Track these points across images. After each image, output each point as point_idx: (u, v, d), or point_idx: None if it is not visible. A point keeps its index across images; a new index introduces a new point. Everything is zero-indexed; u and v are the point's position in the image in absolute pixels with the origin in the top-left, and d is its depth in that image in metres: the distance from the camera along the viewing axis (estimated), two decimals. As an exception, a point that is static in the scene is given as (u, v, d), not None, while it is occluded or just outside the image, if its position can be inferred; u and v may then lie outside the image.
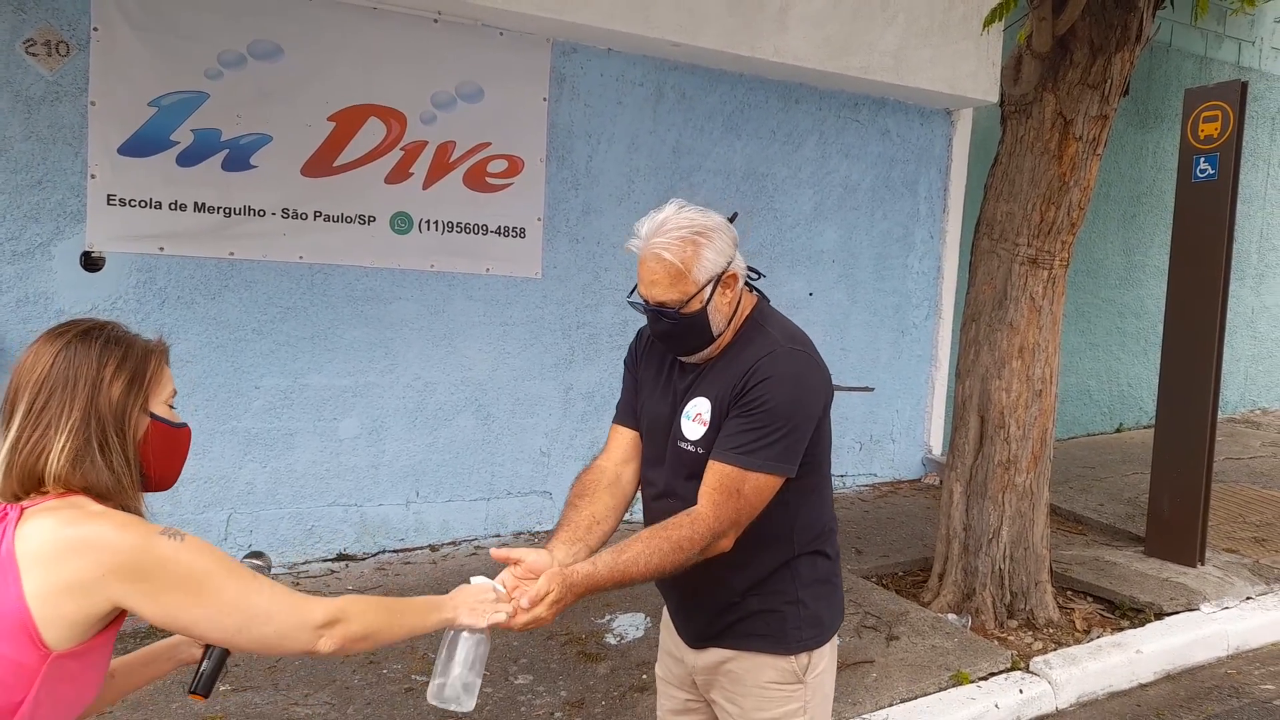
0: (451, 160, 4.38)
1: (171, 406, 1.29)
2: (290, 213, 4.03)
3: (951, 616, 3.74)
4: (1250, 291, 7.97)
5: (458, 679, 1.50)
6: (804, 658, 1.71)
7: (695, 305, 1.63)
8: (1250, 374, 8.21)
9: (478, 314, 4.43)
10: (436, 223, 4.34)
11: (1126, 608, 3.86)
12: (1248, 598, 3.96)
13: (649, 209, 4.86)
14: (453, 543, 4.36)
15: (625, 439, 1.90)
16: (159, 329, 2.18)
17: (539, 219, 4.58)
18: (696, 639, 1.79)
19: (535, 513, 4.63)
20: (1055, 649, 3.52)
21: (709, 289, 1.63)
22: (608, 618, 3.57)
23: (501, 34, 4.37)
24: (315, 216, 4.09)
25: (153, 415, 1.25)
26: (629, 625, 3.52)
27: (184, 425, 1.31)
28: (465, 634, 1.50)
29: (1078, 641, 3.59)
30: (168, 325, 3.70)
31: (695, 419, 1.69)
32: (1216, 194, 4.18)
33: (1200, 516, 4.23)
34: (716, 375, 1.70)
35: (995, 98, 5.66)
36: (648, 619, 3.55)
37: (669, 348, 1.75)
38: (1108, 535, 4.77)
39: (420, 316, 4.28)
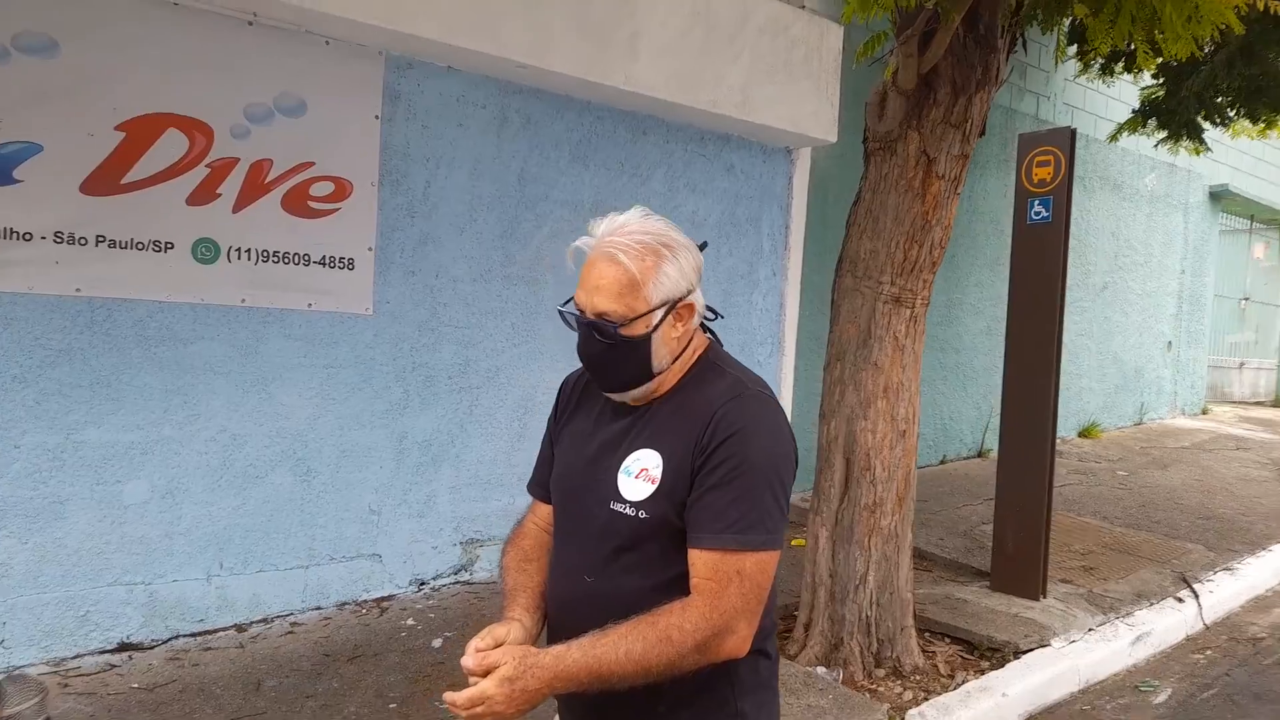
0: (268, 181, 3.85)
1: None
2: (66, 237, 3.38)
3: (821, 670, 3.58)
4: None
5: None
6: None
7: (640, 328, 1.37)
8: (1050, 405, 8.81)
9: (297, 355, 3.90)
10: (249, 251, 3.79)
11: (985, 648, 3.85)
12: (1090, 629, 4.06)
13: (493, 239, 4.42)
14: (264, 620, 3.77)
15: (546, 511, 1.59)
16: None
17: (370, 249, 4.12)
18: None
19: (363, 579, 4.11)
20: (925, 697, 3.42)
21: (660, 313, 1.37)
22: (457, 700, 3.14)
23: (328, 43, 3.91)
24: (98, 242, 3.45)
25: None
26: (482, 708, 3.11)
27: None
28: None
29: (944, 688, 3.52)
30: (-106, 372, 2.97)
31: (640, 475, 1.37)
32: (1051, 235, 4.33)
33: (1042, 550, 4.33)
34: (666, 422, 1.40)
35: (834, 137, 5.76)
36: None
37: (595, 376, 1.46)
38: (952, 571, 4.82)
39: (228, 359, 3.71)
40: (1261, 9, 2.62)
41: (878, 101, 3.57)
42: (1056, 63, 5.93)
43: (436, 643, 3.60)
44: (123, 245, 3.50)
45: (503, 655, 1.26)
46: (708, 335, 1.52)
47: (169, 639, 3.51)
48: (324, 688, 3.16)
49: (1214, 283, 11.05)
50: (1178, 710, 3.53)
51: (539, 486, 1.63)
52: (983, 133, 3.55)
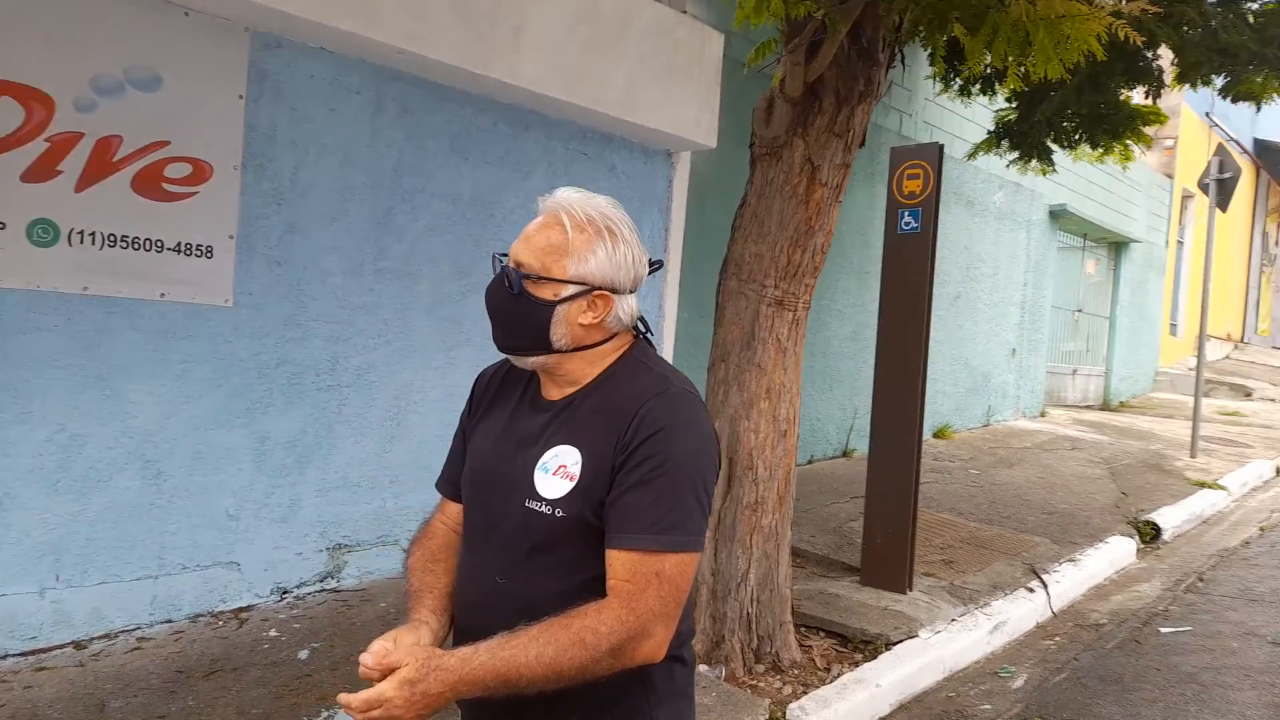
0: (117, 159, 3.54)
1: None
2: (-128, 210, 3.00)
3: (704, 668, 3.59)
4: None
5: None
6: None
7: (547, 292, 1.34)
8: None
9: (147, 349, 3.60)
10: (93, 235, 3.48)
11: (858, 640, 3.97)
12: (952, 620, 4.25)
13: (365, 231, 4.25)
14: (108, 636, 3.46)
15: (456, 509, 1.51)
16: None
17: (231, 236, 3.86)
18: None
19: (219, 589, 3.84)
20: (804, 691, 3.49)
21: (573, 289, 1.34)
22: (324, 715, 2.96)
23: (187, 14, 3.64)
24: (-88, 217, 3.08)
25: None
26: (354, 722, 2.94)
27: None
28: None
29: (822, 681, 3.60)
30: None
31: (558, 472, 1.32)
32: (919, 244, 4.52)
33: (909, 546, 4.50)
34: (588, 418, 1.35)
35: (714, 143, 5.84)
36: None
37: (494, 329, 1.43)
38: (824, 566, 4.96)
39: (67, 351, 3.38)
40: (1122, 38, 2.79)
41: (765, 108, 3.62)
42: (935, 79, 6.19)
43: (303, 654, 3.39)
44: (-57, 223, 3.14)
45: (404, 656, 1.18)
46: (637, 335, 1.47)
47: (-5, 660, 3.16)
48: (178, 707, 2.91)
49: (1052, 295, 11.88)
50: (1033, 694, 3.73)
51: (448, 484, 1.56)
52: (863, 143, 3.67)
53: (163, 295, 3.64)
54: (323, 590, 4.13)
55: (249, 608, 3.86)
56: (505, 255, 1.40)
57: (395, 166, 4.42)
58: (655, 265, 1.43)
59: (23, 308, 3.27)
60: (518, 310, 1.35)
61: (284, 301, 4.02)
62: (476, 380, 1.59)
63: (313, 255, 4.11)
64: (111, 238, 3.52)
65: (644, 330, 1.47)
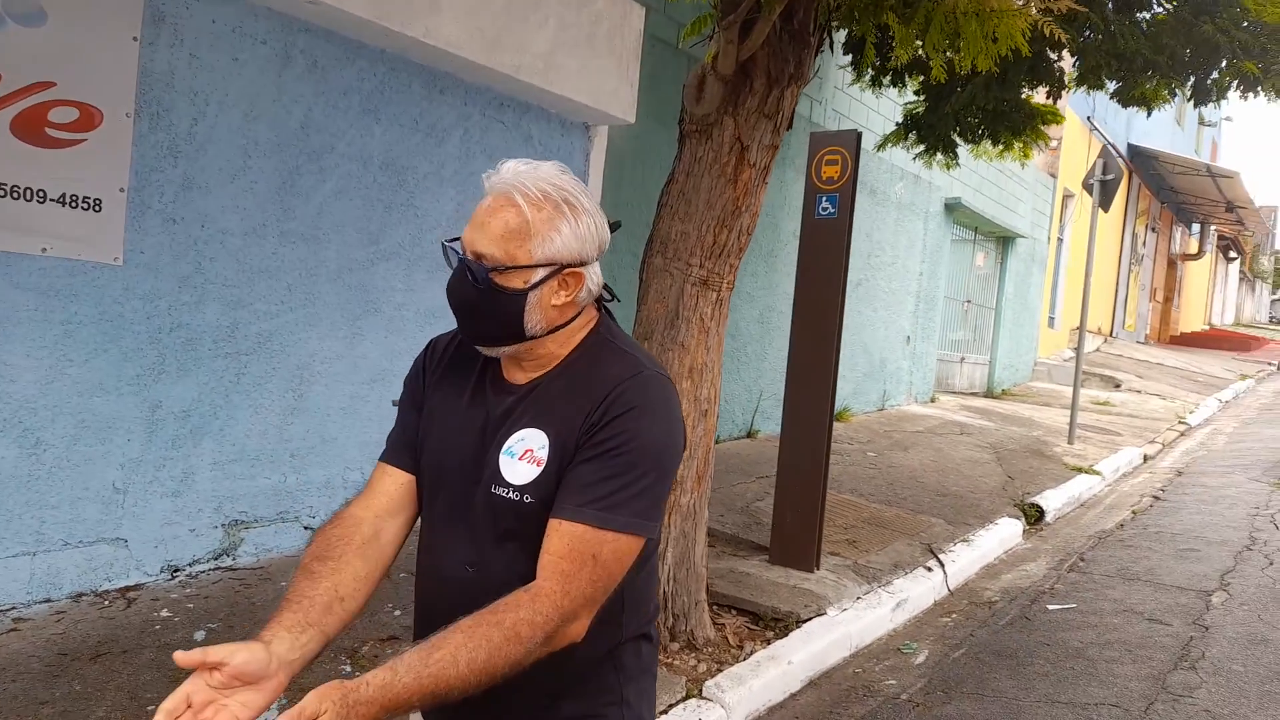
0: (-7, 98, 3.23)
1: None
2: None
3: (618, 647, 3.57)
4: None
5: None
6: None
7: (516, 281, 1.25)
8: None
9: (27, 307, 3.32)
10: (-35, 180, 3.17)
11: (770, 618, 4.02)
12: (858, 598, 4.36)
13: (269, 191, 4.10)
14: (-21, 617, 3.19)
15: (394, 484, 1.38)
16: None
17: (122, 189, 3.58)
18: None
19: (104, 567, 3.59)
20: (719, 669, 3.51)
21: (543, 272, 1.26)
22: (226, 700, 2.80)
23: (76, -58, 3.34)
24: None
25: None
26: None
27: None
28: None
29: (735, 659, 3.64)
30: None
31: (524, 457, 1.26)
32: (836, 229, 4.59)
33: (818, 525, 4.59)
34: (555, 401, 1.29)
35: (633, 118, 5.78)
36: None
37: (460, 323, 1.34)
38: (733, 545, 5.01)
39: (-66, 306, 3.08)
40: (1047, 34, 2.87)
41: (696, 85, 3.58)
42: (849, 69, 6.27)
43: (199, 635, 3.20)
44: None
45: (317, 703, 1.01)
46: (599, 310, 1.40)
47: None
48: (62, 692, 2.70)
49: (945, 285, 12.34)
50: (934, 669, 3.87)
51: (390, 450, 1.42)
52: (790, 126, 3.67)
53: (45, 250, 3.36)
54: (217, 569, 3.91)
55: (137, 586, 3.62)
56: (455, 242, 1.31)
57: (302, 124, 4.19)
58: (614, 226, 1.35)
59: (-119, 257, 2.95)
60: (487, 304, 1.26)
61: (179, 261, 3.77)
62: (428, 349, 1.49)
63: (211, 214, 3.86)
64: (-14, 184, 3.22)
65: (609, 298, 1.40)
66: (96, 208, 3.51)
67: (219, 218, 3.89)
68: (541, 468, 1.25)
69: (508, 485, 1.26)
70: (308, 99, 4.20)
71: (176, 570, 3.81)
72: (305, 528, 4.32)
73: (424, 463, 1.38)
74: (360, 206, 4.48)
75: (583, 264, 1.29)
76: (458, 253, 1.30)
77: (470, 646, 1.10)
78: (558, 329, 1.31)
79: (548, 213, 1.25)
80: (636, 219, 6.65)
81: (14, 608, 3.28)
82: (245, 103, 3.95)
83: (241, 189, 3.97)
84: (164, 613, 3.38)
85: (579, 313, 1.33)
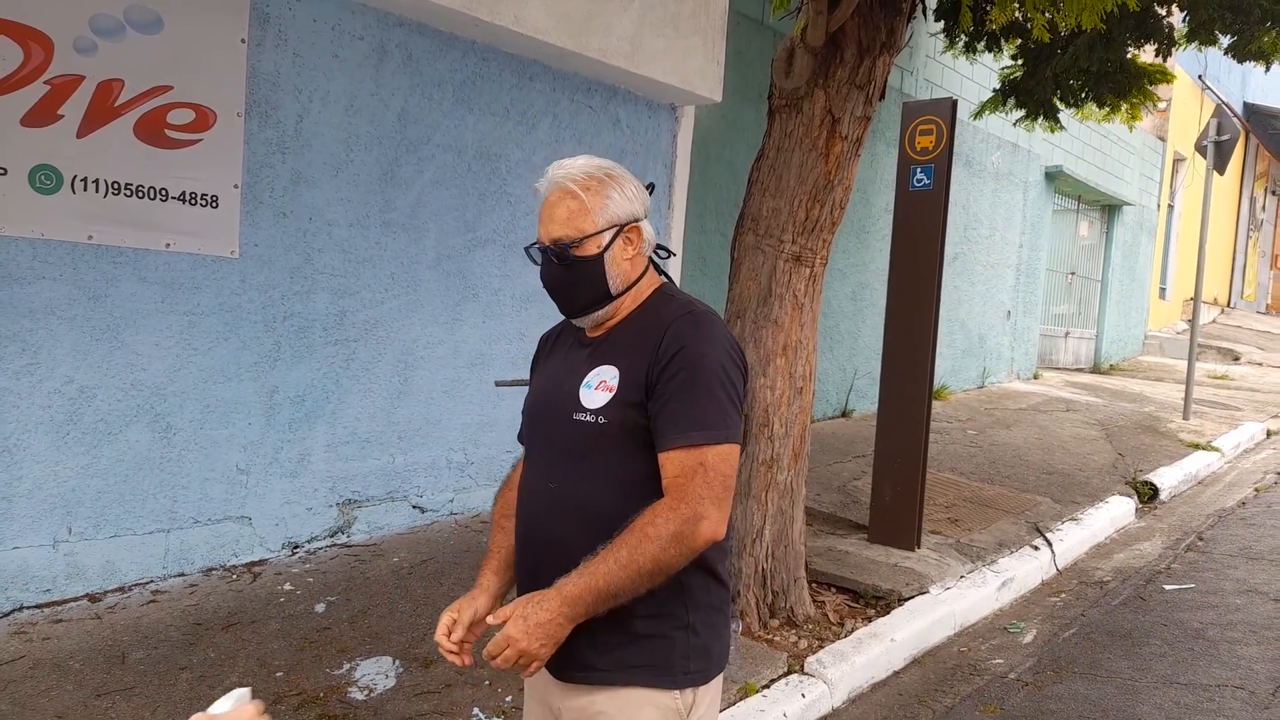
0: (118, 104, 3.44)
1: None
2: None
3: (717, 623, 3.60)
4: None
5: None
6: (689, 694, 1.49)
7: (591, 248, 1.51)
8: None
9: (154, 300, 3.53)
10: (97, 182, 3.39)
11: (870, 596, 3.99)
12: (961, 576, 4.28)
13: (371, 183, 4.20)
14: (121, 589, 3.42)
15: None
16: None
17: (236, 186, 3.77)
18: (565, 666, 1.49)
19: (230, 543, 3.81)
20: (820, 645, 3.50)
21: (609, 234, 1.52)
22: (347, 666, 2.95)
23: (188, -49, 3.52)
24: (-89, 161, 2.98)
25: None
26: (375, 673, 2.93)
27: None
28: None
29: (836, 636, 3.62)
30: None
31: (599, 386, 1.49)
32: (931, 201, 4.48)
33: (918, 503, 4.52)
34: (623, 343, 1.52)
35: (719, 96, 5.74)
36: (397, 662, 2.99)
37: (557, 300, 1.58)
38: (831, 524, 4.97)
39: (73, 302, 3.31)
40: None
41: (785, 59, 3.54)
42: (942, 35, 6.09)
43: (320, 607, 3.37)
44: (-57, 167, 3.04)
45: (510, 608, 1.39)
46: (661, 276, 1.63)
47: (10, 611, 3.13)
48: (199, 658, 2.89)
49: (1047, 257, 11.89)
50: (1044, 648, 3.77)
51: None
52: (883, 95, 3.60)
53: (168, 245, 3.56)
54: (333, 545, 4.10)
55: (261, 562, 3.83)
56: (534, 245, 1.55)
57: (400, 116, 4.32)
58: (649, 188, 1.60)
59: (27, 256, 3.19)
60: (575, 276, 1.51)
61: (290, 253, 3.95)
62: (541, 341, 1.74)
63: (318, 206, 4.03)
64: (115, 185, 3.43)
65: (665, 255, 1.64)
66: (213, 204, 3.71)
67: (325, 210, 4.05)
68: (613, 393, 1.46)
69: (585, 410, 1.47)
70: (404, 92, 4.33)
71: (296, 546, 4.01)
72: (414, 506, 4.49)
73: (525, 413, 1.64)
74: (456, 195, 4.59)
75: (637, 220, 1.54)
76: (540, 248, 1.54)
77: (616, 549, 1.36)
78: (632, 285, 1.54)
79: (596, 188, 1.50)
80: (724, 198, 6.62)
81: (152, 581, 3.52)
82: (346, 98, 4.10)
83: (345, 182, 4.12)
84: (286, 586, 3.57)
85: (645, 271, 1.56)
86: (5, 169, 3.17)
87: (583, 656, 1.45)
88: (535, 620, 1.35)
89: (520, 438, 1.67)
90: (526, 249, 1.57)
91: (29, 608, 3.18)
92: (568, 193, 1.50)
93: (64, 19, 3.27)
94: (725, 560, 1.55)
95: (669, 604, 1.46)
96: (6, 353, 3.15)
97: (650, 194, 1.60)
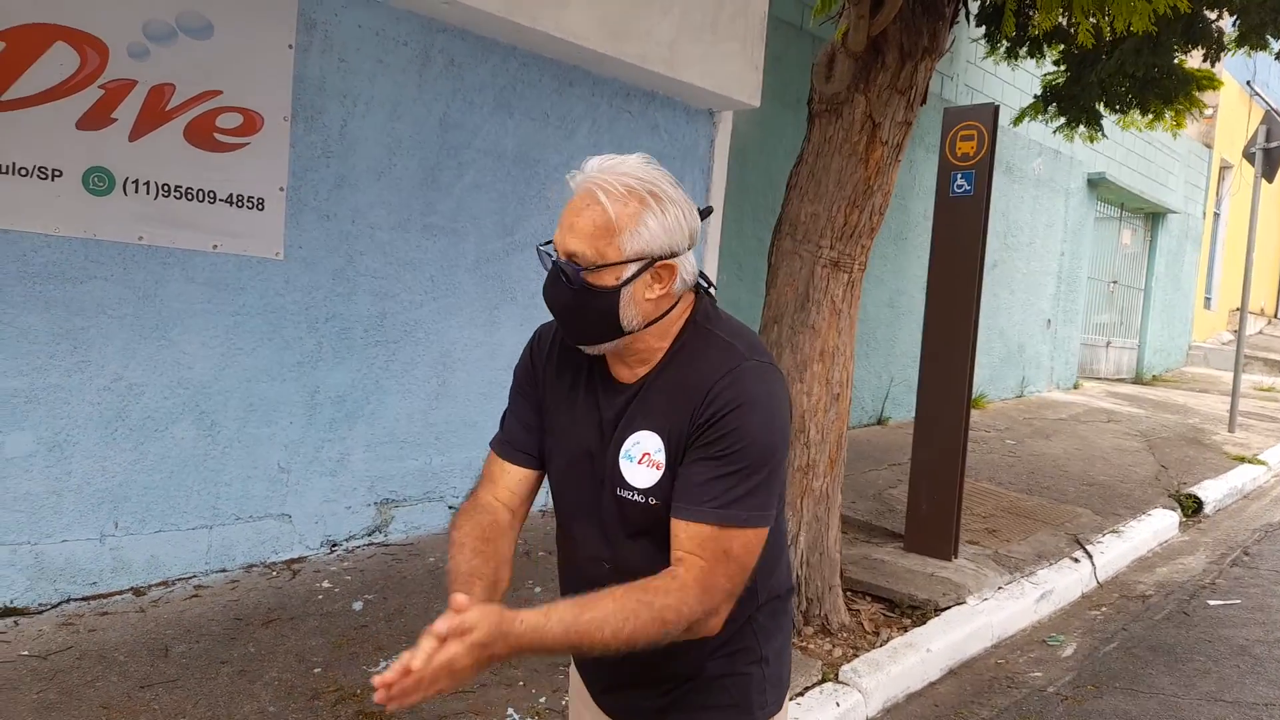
0: (169, 108, 3.52)
1: None
2: (-67, 155, 2.99)
3: (751, 629, 3.59)
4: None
5: None
6: None
7: (608, 279, 1.25)
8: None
9: (201, 300, 3.60)
10: (148, 184, 3.46)
11: (906, 605, 3.95)
12: (999, 588, 4.22)
13: (412, 187, 4.23)
14: (165, 583, 3.49)
15: (515, 479, 1.44)
16: None
17: (281, 189, 3.84)
18: (631, 713, 1.43)
19: (271, 540, 3.87)
20: (854, 654, 3.48)
21: (634, 267, 1.25)
22: (383, 664, 2.98)
23: (239, -41, 3.59)
24: (-28, 163, 3.07)
25: None
26: (412, 673, 2.95)
27: None
28: None
29: (871, 645, 3.59)
30: None
31: (643, 460, 1.29)
32: (972, 207, 4.43)
33: (955, 513, 4.47)
34: (662, 399, 1.30)
35: (758, 101, 5.74)
36: (433, 663, 3.01)
37: (559, 322, 1.35)
38: (865, 532, 4.93)
39: (124, 301, 3.38)
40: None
41: (826, 63, 3.53)
42: (983, 41, 6.03)
43: (357, 605, 3.41)
44: (2, 170, 3.13)
45: (478, 617, 1.11)
46: (697, 293, 1.38)
47: (59, 603, 3.20)
48: (239, 653, 2.94)
49: (1088, 265, 11.71)
50: (1084, 662, 3.71)
51: (510, 447, 1.46)
52: (924, 101, 3.57)
53: (215, 246, 3.64)
54: (371, 544, 4.15)
55: (300, 559, 3.89)
56: (548, 245, 1.32)
57: (441, 121, 4.37)
58: (705, 212, 1.34)
59: (81, 256, 3.27)
60: (583, 304, 1.27)
61: (333, 255, 4.01)
62: (535, 337, 1.51)
63: (361, 210, 4.09)
64: (165, 187, 3.51)
65: (706, 285, 1.39)
66: (259, 206, 3.77)
67: (368, 213, 4.11)
68: (661, 471, 1.27)
69: (631, 489, 1.29)
70: (446, 97, 4.38)
71: (335, 545, 4.06)
72: (450, 507, 4.53)
73: (551, 465, 1.43)
74: (495, 199, 4.63)
75: (674, 255, 1.27)
76: (552, 256, 1.30)
77: (619, 618, 1.15)
78: (655, 322, 1.30)
79: (633, 207, 1.23)
80: (762, 203, 6.61)
81: (194, 575, 3.58)
82: (389, 103, 4.15)
83: (387, 185, 4.17)
84: (325, 584, 3.62)
85: (676, 303, 1.32)
86: (61, 171, 3.25)
87: (655, 704, 1.37)
88: (490, 654, 1.11)
89: (498, 446, 1.47)
90: (538, 247, 1.33)
91: (76, 600, 3.25)
92: (595, 202, 1.23)
93: (119, 24, 3.35)
94: (789, 579, 1.46)
95: (742, 639, 1.36)
96: (59, 350, 3.23)
97: (705, 219, 1.33)
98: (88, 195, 3.31)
